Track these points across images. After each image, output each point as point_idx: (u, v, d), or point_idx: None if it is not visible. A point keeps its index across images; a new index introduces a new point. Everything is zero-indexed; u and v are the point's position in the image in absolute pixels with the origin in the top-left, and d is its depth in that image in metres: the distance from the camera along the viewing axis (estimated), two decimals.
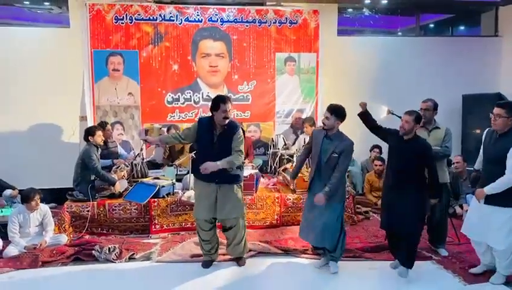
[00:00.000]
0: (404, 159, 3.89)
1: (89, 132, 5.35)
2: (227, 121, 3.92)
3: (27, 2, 7.04)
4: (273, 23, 7.09)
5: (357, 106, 4.35)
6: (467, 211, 5.16)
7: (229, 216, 4.07)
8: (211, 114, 3.99)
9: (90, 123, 6.62)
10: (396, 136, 4.02)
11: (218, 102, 3.88)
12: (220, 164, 3.82)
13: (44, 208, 4.80)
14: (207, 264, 4.29)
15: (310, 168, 5.87)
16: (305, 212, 4.29)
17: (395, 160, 4.01)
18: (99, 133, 5.35)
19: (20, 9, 7.24)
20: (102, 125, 6.05)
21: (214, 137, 3.96)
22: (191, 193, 5.22)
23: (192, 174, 4.42)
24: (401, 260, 4.04)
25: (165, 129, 6.82)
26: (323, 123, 4.02)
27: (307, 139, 6.46)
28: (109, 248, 4.46)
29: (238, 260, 4.34)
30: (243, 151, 4.04)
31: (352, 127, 4.59)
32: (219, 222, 4.23)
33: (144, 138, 4.43)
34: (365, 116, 4.35)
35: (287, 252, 4.60)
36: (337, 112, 3.96)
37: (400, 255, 4.05)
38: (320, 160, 4.02)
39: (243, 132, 4.08)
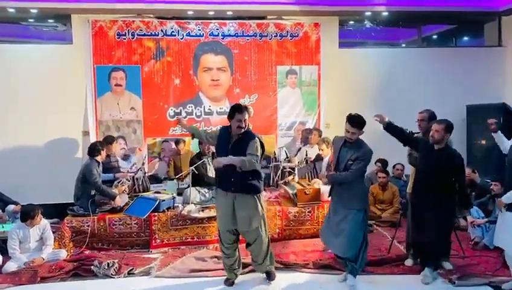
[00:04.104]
0: (434, 169, 3.84)
1: (95, 150, 5.37)
2: (241, 130, 3.88)
3: (32, 20, 7.16)
4: (274, 36, 7.12)
5: None
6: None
7: (248, 227, 3.97)
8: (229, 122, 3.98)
9: (92, 138, 6.66)
10: (425, 145, 3.98)
11: (234, 111, 3.88)
12: (231, 159, 3.77)
13: (44, 222, 4.79)
14: (229, 283, 4.15)
15: (313, 180, 5.92)
16: (328, 215, 4.26)
17: (423, 170, 3.95)
18: (103, 152, 5.44)
19: (26, 27, 7.37)
20: (108, 140, 6.05)
21: (229, 145, 3.93)
22: (191, 207, 5.20)
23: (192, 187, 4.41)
24: (423, 263, 4.08)
25: (173, 142, 6.84)
26: (350, 139, 3.91)
27: (309, 151, 6.48)
28: (108, 263, 4.43)
29: (268, 276, 4.23)
30: (258, 156, 3.94)
31: None
32: (241, 235, 4.14)
33: (179, 118, 4.41)
34: (391, 129, 4.17)
35: (287, 266, 4.52)
36: (359, 123, 3.88)
37: (423, 258, 4.11)
38: (339, 169, 4.02)
39: (261, 144, 4.02)
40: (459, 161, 3.93)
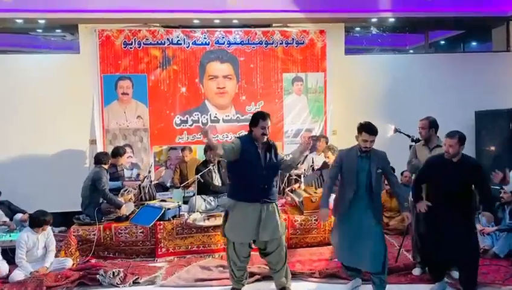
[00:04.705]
0: (456, 181, 3.74)
1: (105, 157, 5.45)
2: (265, 138, 3.86)
3: (40, 30, 7.26)
4: (280, 44, 7.13)
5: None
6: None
7: (273, 236, 3.88)
8: (249, 130, 3.93)
9: (99, 147, 6.70)
10: (440, 161, 3.86)
11: (258, 118, 3.85)
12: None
13: (48, 228, 4.82)
14: None
15: (320, 189, 5.87)
16: (344, 237, 4.01)
17: (444, 185, 3.81)
18: (109, 162, 5.50)
19: (34, 37, 7.47)
20: (120, 152, 6.01)
21: (259, 151, 3.86)
22: (196, 216, 5.19)
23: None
24: (434, 275, 4.02)
25: (179, 150, 6.85)
26: (368, 147, 3.87)
27: (316, 159, 6.44)
28: (113, 272, 4.42)
29: None
30: None
31: None
32: (258, 245, 4.02)
33: (206, 130, 3.64)
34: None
35: (293, 275, 4.45)
36: (375, 130, 3.88)
37: (461, 284, 3.95)
38: (359, 181, 3.89)
39: None
40: (476, 163, 3.92)
